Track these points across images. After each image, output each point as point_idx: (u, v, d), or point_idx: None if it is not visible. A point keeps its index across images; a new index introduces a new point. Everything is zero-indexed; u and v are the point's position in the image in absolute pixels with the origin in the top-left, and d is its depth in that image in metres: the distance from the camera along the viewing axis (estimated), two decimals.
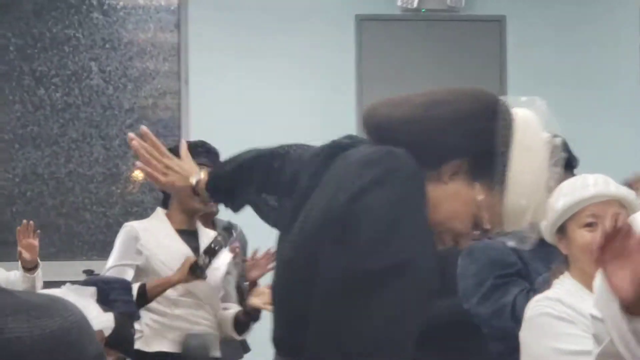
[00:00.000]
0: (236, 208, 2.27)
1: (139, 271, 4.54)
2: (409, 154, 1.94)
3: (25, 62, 6.65)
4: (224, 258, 4.60)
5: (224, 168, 2.28)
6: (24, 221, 5.22)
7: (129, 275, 4.51)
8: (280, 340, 2.04)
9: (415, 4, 6.55)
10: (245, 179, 2.26)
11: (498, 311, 3.63)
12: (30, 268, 5.02)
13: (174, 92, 6.77)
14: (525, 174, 1.98)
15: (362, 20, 6.78)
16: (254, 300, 4.55)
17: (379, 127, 2.02)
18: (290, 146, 2.27)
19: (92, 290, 3.36)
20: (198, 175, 2.29)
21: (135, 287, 4.37)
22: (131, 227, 4.62)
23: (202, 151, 4.51)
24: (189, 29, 6.68)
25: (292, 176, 2.16)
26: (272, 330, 2.05)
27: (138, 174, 6.69)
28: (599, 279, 2.21)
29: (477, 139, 1.96)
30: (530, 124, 2.04)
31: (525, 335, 3.17)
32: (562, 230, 3.09)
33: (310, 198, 2.01)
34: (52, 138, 6.64)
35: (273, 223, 2.14)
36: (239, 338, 4.69)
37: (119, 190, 6.71)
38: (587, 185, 3.08)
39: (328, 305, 1.88)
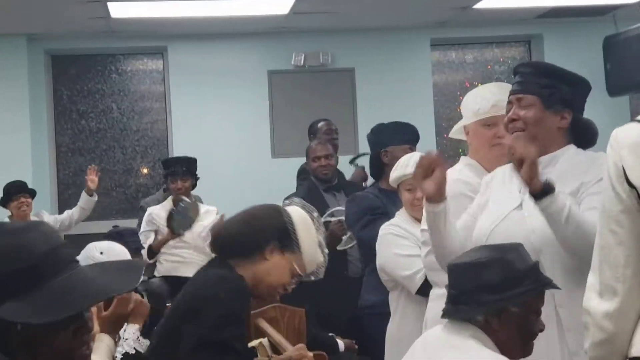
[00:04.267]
0: None
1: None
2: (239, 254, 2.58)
3: (72, 104, 8.53)
4: (210, 218, 5.82)
5: None
6: (91, 165, 7.00)
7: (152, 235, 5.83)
8: None
9: (302, 62, 8.35)
10: None
11: (373, 236, 4.22)
12: (90, 195, 6.74)
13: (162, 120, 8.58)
14: (308, 240, 2.71)
15: (272, 74, 8.40)
16: None
17: (225, 240, 2.70)
18: None
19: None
20: None
21: (146, 248, 5.57)
22: (148, 208, 6.08)
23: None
24: (170, 80, 8.43)
25: None
26: None
27: (142, 169, 8.52)
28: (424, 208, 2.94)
29: (277, 228, 2.66)
30: (299, 212, 2.78)
31: (378, 246, 3.99)
32: (398, 188, 3.96)
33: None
34: (90, 149, 8.55)
35: None
36: None
37: (131, 176, 8.52)
38: (407, 165, 3.84)
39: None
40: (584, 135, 2.85)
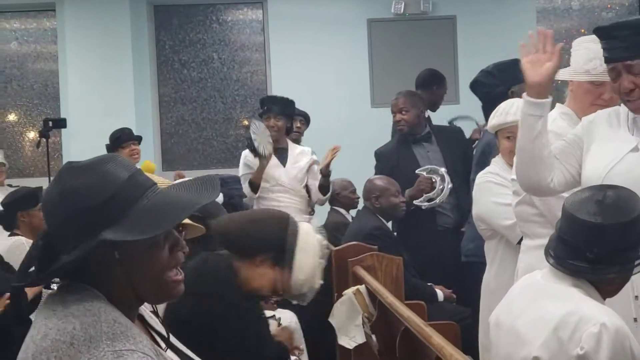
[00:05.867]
0: None
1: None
2: (237, 250, 2.50)
3: (174, 54, 8.69)
4: (305, 159, 5.69)
5: None
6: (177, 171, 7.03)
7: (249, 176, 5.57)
8: None
9: (402, 10, 8.33)
10: None
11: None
12: None
13: (261, 70, 8.75)
14: (304, 264, 2.60)
15: (372, 22, 8.38)
16: (323, 162, 5.41)
17: (222, 235, 2.63)
18: None
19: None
20: None
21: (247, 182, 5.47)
22: (243, 152, 5.83)
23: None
24: (270, 30, 8.51)
25: None
26: None
27: (243, 121, 8.61)
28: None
29: (275, 242, 2.57)
30: (309, 233, 2.64)
31: (476, 195, 3.90)
32: (496, 135, 3.86)
33: None
34: (191, 98, 8.69)
35: None
36: (324, 198, 5.55)
37: (231, 126, 8.73)
38: (508, 113, 3.74)
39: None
40: None
